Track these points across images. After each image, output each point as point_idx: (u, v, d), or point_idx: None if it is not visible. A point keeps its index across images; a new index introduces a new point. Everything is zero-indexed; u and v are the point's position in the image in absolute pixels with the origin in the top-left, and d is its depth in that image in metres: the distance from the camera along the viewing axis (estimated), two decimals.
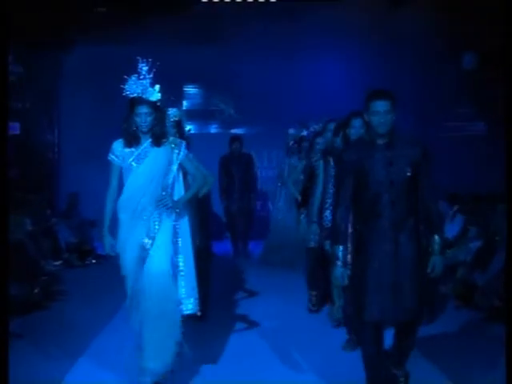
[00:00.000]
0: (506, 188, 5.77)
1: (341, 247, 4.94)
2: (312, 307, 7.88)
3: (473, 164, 12.38)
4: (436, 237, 4.91)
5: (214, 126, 14.44)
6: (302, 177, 8.95)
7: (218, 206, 11.69)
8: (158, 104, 5.34)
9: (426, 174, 4.94)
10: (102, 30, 11.79)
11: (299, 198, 8.63)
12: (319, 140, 8.04)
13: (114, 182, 5.45)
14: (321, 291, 7.70)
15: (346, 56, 13.09)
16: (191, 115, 13.09)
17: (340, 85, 12.71)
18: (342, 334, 6.56)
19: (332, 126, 7.32)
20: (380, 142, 4.92)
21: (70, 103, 13.23)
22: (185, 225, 5.63)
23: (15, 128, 12.52)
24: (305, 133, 10.05)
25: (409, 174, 4.87)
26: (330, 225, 6.40)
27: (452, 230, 9.76)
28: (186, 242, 5.61)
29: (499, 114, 9.39)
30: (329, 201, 6.63)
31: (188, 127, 7.46)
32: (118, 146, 5.41)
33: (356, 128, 6.19)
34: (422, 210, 4.94)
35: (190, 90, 14.23)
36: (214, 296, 7.67)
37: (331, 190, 6.56)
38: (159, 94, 5.31)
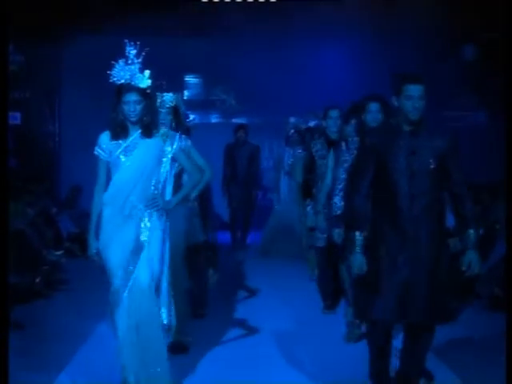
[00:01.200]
0: (505, 177, 5.69)
1: (360, 233, 4.58)
2: (326, 310, 7.46)
3: (473, 153, 12.32)
4: (471, 231, 4.56)
5: (214, 115, 14.42)
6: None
7: (217, 194, 11.37)
8: (148, 91, 4.91)
9: (457, 168, 4.61)
10: (104, 21, 11.76)
11: None
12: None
13: (101, 179, 4.99)
14: (335, 293, 7.31)
15: (346, 47, 13.11)
16: (192, 105, 13.14)
17: (341, 75, 12.72)
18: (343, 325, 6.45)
19: (334, 113, 7.14)
20: (406, 128, 4.59)
21: (71, 93, 13.28)
22: (167, 228, 5.09)
23: (16, 118, 12.56)
24: (312, 123, 9.67)
25: (432, 166, 4.53)
26: (338, 212, 6.25)
27: (453, 218, 9.73)
28: (166, 247, 5.08)
29: (499, 104, 9.39)
30: (339, 187, 6.34)
31: (191, 116, 7.17)
32: (104, 138, 4.96)
33: (373, 113, 5.94)
34: (455, 205, 4.61)
35: (191, 79, 14.24)
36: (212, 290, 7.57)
37: (342, 176, 6.30)
38: (149, 81, 4.89)
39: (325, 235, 6.90)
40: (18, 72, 12.33)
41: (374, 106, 5.94)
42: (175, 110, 6.10)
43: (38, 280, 8.17)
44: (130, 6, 11.06)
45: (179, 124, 6.05)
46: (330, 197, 6.55)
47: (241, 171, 11.66)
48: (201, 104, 13.98)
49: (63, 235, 10.73)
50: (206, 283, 7.22)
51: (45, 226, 9.69)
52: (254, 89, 13.26)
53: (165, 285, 5.08)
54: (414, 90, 4.50)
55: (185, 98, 13.40)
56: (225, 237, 11.71)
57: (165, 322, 5.10)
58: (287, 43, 12.96)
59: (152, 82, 4.90)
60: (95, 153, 4.97)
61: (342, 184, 6.27)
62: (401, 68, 12.17)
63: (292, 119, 10.48)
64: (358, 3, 11.85)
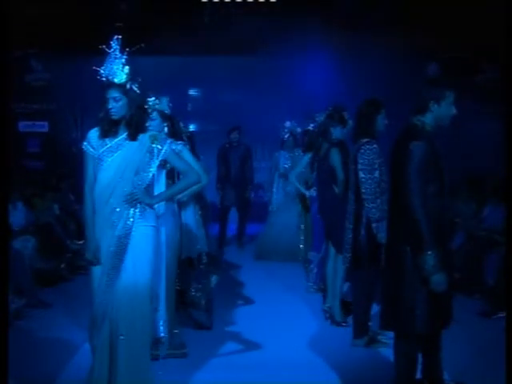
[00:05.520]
0: (506, 184, 5.32)
1: (435, 252, 3.94)
2: (330, 318, 6.60)
3: (472, 151, 11.90)
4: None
5: (213, 124, 13.87)
6: (304, 169, 8.22)
7: (211, 190, 10.66)
8: (129, 87, 4.31)
9: None
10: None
11: (306, 193, 8.12)
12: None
13: (89, 177, 4.37)
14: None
15: (334, 54, 12.72)
16: (194, 116, 13.34)
17: (331, 82, 12.45)
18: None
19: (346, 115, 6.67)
20: (431, 132, 4.15)
21: (92, 104, 13.43)
22: (170, 230, 4.61)
23: (44, 126, 12.85)
24: (311, 126, 8.79)
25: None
26: (378, 215, 5.56)
27: None
28: (168, 253, 4.59)
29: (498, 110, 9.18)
30: (379, 190, 5.63)
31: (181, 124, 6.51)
32: (93, 135, 4.39)
33: (384, 119, 5.66)
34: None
35: (194, 93, 14.28)
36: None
37: (378, 179, 5.64)
38: (124, 76, 4.30)
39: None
40: (45, 87, 12.66)
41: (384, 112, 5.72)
42: (162, 116, 5.43)
43: (63, 266, 8.49)
44: (141, 33, 11.36)
45: (159, 128, 5.30)
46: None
47: (234, 172, 11.03)
48: (201, 114, 13.97)
49: (84, 227, 10.99)
50: (209, 292, 6.45)
51: (68, 219, 9.80)
52: (248, 96, 13.34)
53: (163, 293, 4.61)
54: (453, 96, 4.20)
55: (189, 109, 13.64)
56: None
57: (162, 335, 4.66)
58: (277, 52, 12.58)
59: (129, 78, 4.35)
60: (83, 147, 4.42)
61: (381, 187, 5.61)
62: (388, 73, 11.82)
63: (288, 124, 9.96)
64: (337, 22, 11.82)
